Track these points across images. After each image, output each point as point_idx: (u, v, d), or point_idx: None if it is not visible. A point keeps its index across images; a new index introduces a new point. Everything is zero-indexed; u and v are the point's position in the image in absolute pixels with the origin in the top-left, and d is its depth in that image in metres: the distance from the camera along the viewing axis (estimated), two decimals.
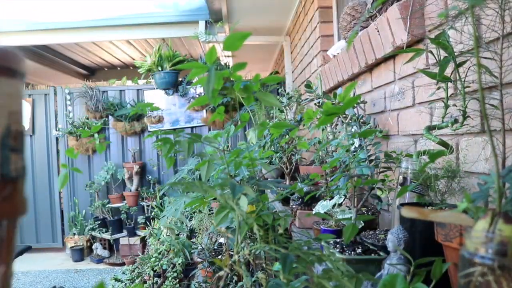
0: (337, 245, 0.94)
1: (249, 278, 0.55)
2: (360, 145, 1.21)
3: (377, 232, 1.15)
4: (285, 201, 1.91)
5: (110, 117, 5.08)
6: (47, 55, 5.57)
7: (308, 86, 1.65)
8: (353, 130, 1.33)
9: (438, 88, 0.92)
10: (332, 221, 1.24)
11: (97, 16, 4.21)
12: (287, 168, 2.11)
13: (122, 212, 4.93)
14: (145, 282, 2.81)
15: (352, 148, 1.21)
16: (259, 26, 4.03)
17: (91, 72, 7.26)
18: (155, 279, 2.78)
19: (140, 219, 4.72)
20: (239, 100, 0.59)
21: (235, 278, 1.76)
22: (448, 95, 0.88)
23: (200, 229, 2.99)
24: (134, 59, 6.39)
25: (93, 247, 4.95)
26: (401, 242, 0.75)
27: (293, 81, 4.00)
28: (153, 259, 2.95)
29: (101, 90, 5.12)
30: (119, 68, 7.29)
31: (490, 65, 0.71)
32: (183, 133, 0.63)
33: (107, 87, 5.19)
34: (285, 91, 2.62)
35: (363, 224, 1.21)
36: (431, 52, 0.93)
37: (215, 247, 2.34)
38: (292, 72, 4.02)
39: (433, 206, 0.83)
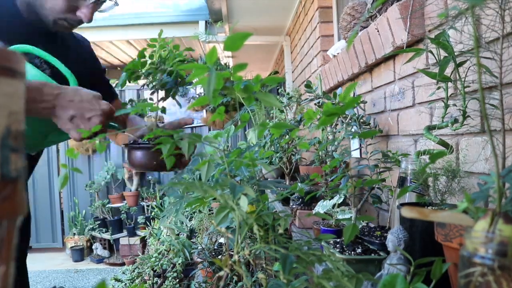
0: (337, 245, 0.94)
1: (249, 278, 0.55)
2: (360, 145, 1.21)
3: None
4: (285, 201, 1.91)
5: None
6: None
7: (308, 86, 1.65)
8: (353, 130, 1.33)
9: (438, 88, 0.92)
10: (332, 221, 1.24)
11: (97, 16, 4.20)
12: (287, 168, 2.11)
13: (122, 212, 4.93)
14: (145, 282, 2.81)
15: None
16: (259, 26, 4.03)
17: None
18: (155, 279, 2.78)
19: (140, 219, 4.72)
20: (239, 100, 0.59)
21: (235, 278, 1.76)
22: (448, 95, 0.88)
23: (200, 229, 2.99)
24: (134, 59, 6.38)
25: (93, 247, 4.95)
26: (401, 242, 0.75)
27: (293, 81, 3.99)
28: (153, 259, 2.95)
29: None
30: (119, 68, 7.28)
31: (490, 65, 0.71)
32: (183, 133, 0.63)
33: None
34: (285, 91, 2.62)
35: (363, 224, 1.21)
36: (431, 52, 0.93)
37: (215, 247, 2.34)
38: (292, 72, 4.02)
39: (433, 206, 0.83)
